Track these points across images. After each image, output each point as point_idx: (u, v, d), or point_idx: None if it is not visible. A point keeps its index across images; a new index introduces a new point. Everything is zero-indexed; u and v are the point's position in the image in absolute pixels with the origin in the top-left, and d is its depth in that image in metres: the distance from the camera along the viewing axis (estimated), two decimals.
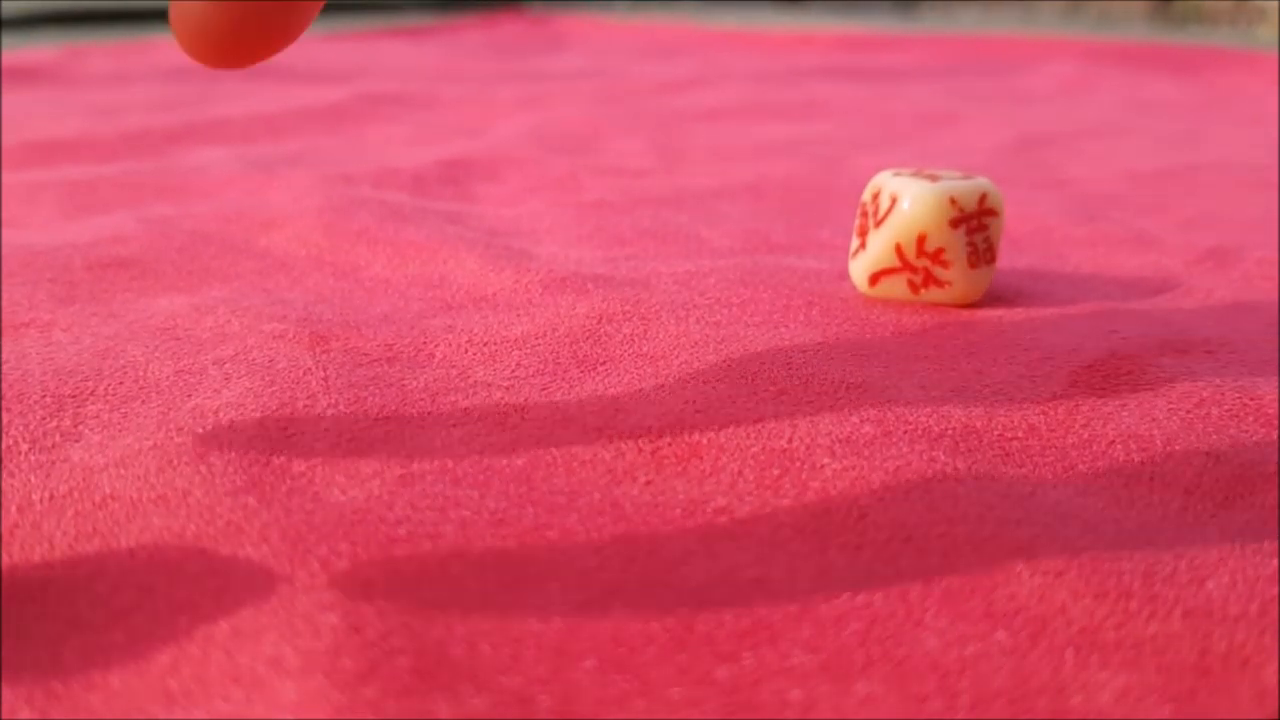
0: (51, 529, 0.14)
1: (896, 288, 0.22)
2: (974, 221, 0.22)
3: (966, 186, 0.22)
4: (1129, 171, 0.38)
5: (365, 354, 0.19)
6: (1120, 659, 0.11)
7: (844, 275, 0.24)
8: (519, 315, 0.21)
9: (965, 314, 0.22)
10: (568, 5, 1.15)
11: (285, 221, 0.28)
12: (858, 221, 0.23)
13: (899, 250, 0.22)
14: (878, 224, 0.22)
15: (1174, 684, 0.11)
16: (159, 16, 0.97)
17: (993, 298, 0.23)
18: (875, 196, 0.23)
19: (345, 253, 0.26)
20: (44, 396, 0.18)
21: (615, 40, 0.85)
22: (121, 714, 0.11)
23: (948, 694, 0.11)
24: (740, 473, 0.15)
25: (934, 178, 0.22)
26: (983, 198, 0.22)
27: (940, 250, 0.22)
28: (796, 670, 0.11)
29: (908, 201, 0.22)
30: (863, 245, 0.23)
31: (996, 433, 0.16)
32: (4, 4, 0.91)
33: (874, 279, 0.22)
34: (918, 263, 0.22)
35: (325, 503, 0.14)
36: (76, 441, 0.16)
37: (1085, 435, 0.16)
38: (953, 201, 0.21)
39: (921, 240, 0.22)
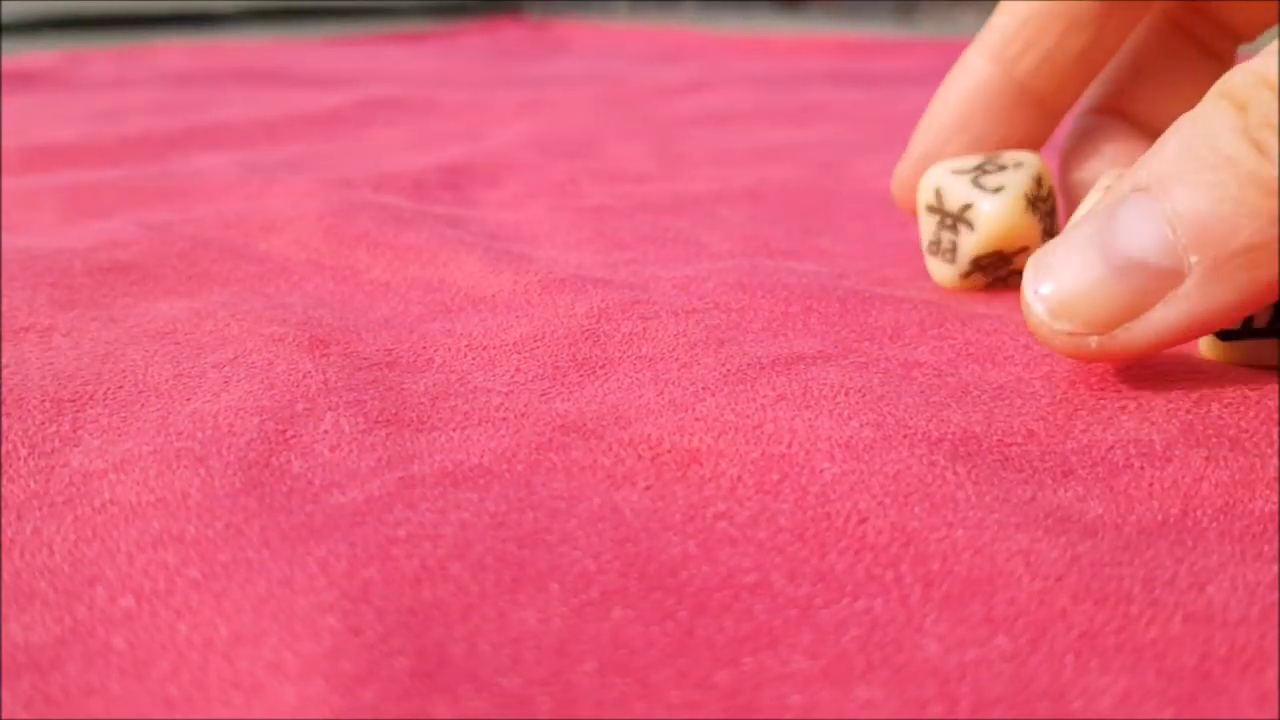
0: (51, 534, 0.14)
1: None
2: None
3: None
4: None
5: (365, 358, 0.19)
6: (1120, 663, 0.11)
7: (842, 277, 0.24)
8: (518, 316, 0.21)
9: (963, 317, 0.22)
10: (567, 9, 1.15)
11: (285, 226, 0.28)
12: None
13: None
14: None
15: (1174, 688, 0.11)
16: (160, 21, 0.97)
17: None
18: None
19: (345, 257, 0.26)
20: (43, 401, 0.18)
21: (615, 45, 0.85)
22: None
23: (948, 699, 0.11)
24: (740, 478, 0.15)
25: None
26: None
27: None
28: (797, 675, 0.11)
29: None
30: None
31: (996, 438, 0.16)
32: (4, 8, 0.91)
33: None
34: None
35: (324, 504, 0.14)
36: (76, 446, 0.16)
37: (1085, 439, 0.16)
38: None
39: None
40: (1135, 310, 0.16)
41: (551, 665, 0.11)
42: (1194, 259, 0.15)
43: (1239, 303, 0.15)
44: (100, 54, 0.70)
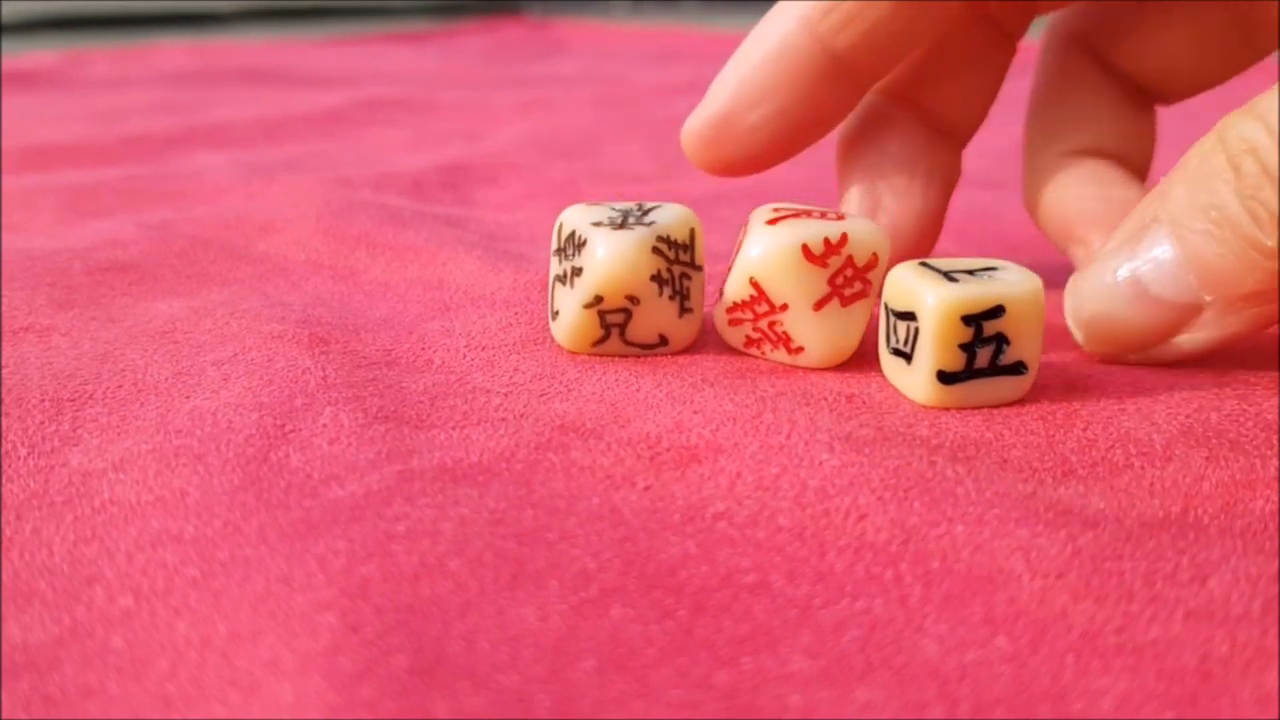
0: (50, 534, 0.14)
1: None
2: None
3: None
4: None
5: (364, 357, 0.19)
6: (1121, 664, 0.11)
7: None
8: (517, 315, 0.21)
9: None
10: (566, 9, 1.15)
11: (284, 226, 0.28)
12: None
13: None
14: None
15: (1175, 689, 0.11)
16: (160, 21, 0.97)
17: None
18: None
19: (344, 256, 0.26)
20: (43, 401, 0.18)
21: (614, 45, 0.85)
22: None
23: (948, 700, 0.11)
24: (739, 474, 0.15)
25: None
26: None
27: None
28: (796, 676, 0.11)
29: None
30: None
31: (994, 441, 0.16)
32: (4, 8, 0.91)
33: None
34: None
35: (323, 498, 0.14)
36: (75, 445, 0.16)
37: (1084, 440, 0.16)
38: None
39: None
40: (1163, 336, 0.18)
41: (550, 663, 0.11)
42: (1208, 298, 0.17)
43: (1253, 329, 0.18)
44: (100, 54, 0.70)
